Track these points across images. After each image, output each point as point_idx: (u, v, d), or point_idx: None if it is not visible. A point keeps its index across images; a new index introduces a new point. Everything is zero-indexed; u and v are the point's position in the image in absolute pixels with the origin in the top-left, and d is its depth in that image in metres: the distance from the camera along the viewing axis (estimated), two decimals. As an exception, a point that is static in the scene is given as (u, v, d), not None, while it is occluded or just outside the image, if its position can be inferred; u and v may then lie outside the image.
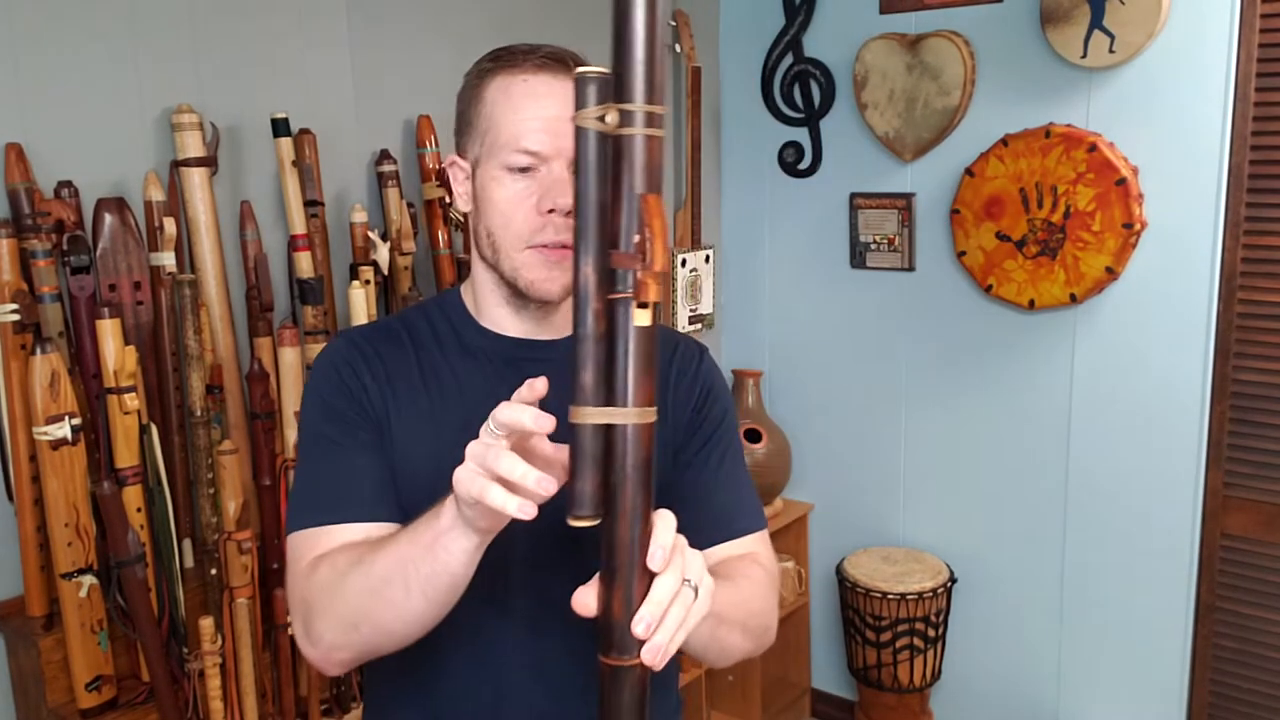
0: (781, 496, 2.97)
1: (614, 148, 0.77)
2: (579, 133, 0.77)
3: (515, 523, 0.82)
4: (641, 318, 0.77)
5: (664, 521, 0.82)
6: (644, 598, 0.79)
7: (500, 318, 1.14)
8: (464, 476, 0.82)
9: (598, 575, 0.81)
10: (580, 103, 0.77)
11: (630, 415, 0.78)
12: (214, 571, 1.69)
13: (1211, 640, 2.47)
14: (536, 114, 1.04)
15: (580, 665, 1.01)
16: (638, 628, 0.78)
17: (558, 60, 1.07)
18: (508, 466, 0.80)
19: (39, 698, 1.62)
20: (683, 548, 0.83)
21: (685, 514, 1.06)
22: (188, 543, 1.77)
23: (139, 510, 1.60)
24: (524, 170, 1.05)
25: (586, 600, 0.81)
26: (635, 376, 0.77)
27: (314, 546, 1.03)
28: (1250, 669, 2.43)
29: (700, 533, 1.02)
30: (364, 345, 1.13)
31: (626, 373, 0.77)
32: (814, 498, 3.05)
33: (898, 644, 2.65)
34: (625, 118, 0.75)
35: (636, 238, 0.76)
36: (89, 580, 1.56)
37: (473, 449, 0.83)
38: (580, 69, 0.76)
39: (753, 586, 1.09)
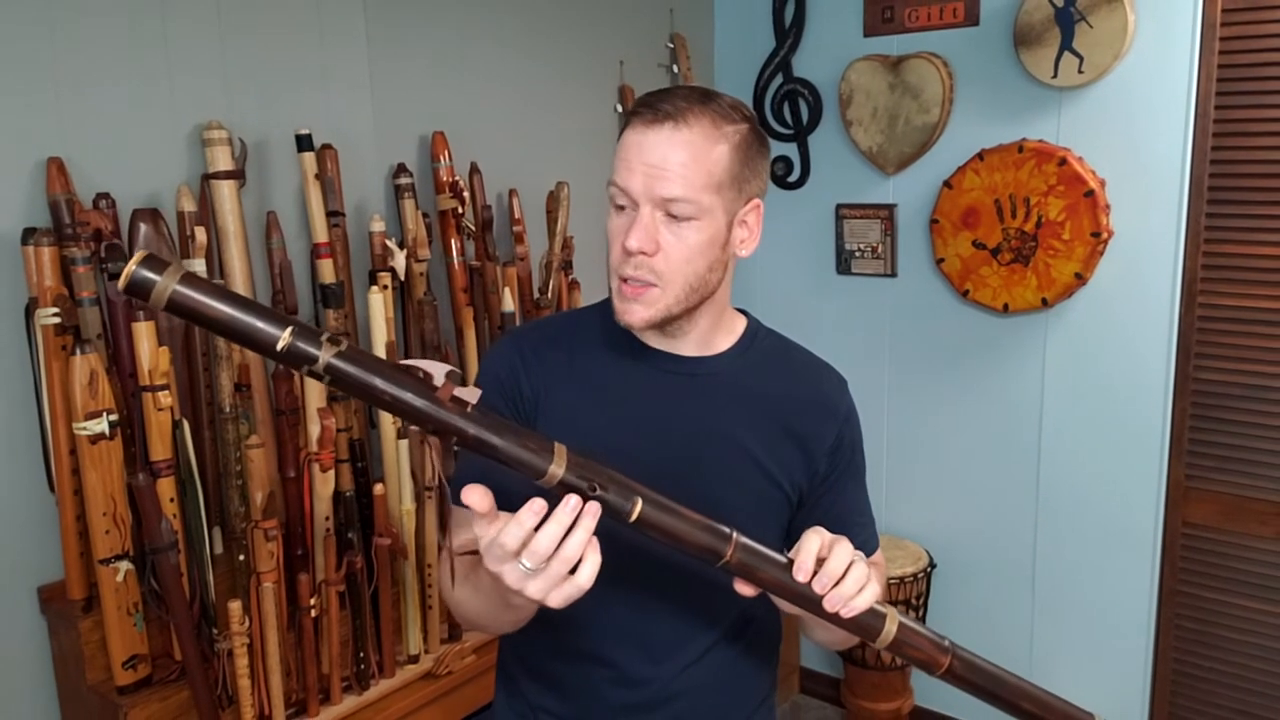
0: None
1: None
2: None
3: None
4: None
5: (809, 542, 0.97)
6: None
7: (646, 331, 1.14)
8: (556, 599, 0.88)
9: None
10: None
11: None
12: (242, 558, 1.69)
13: (1173, 622, 2.47)
14: (630, 156, 1.04)
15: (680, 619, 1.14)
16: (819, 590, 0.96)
17: (672, 111, 1.03)
18: (568, 555, 0.87)
19: (79, 675, 1.62)
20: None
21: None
22: (217, 531, 1.78)
23: (172, 500, 1.60)
24: (621, 207, 1.06)
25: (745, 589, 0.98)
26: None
27: (457, 520, 1.12)
28: (1209, 649, 2.43)
29: None
30: (524, 346, 1.16)
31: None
32: (802, 488, 3.04)
33: (881, 625, 2.65)
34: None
35: None
36: (125, 566, 1.56)
37: (534, 589, 0.87)
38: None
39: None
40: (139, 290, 0.78)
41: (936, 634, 1.05)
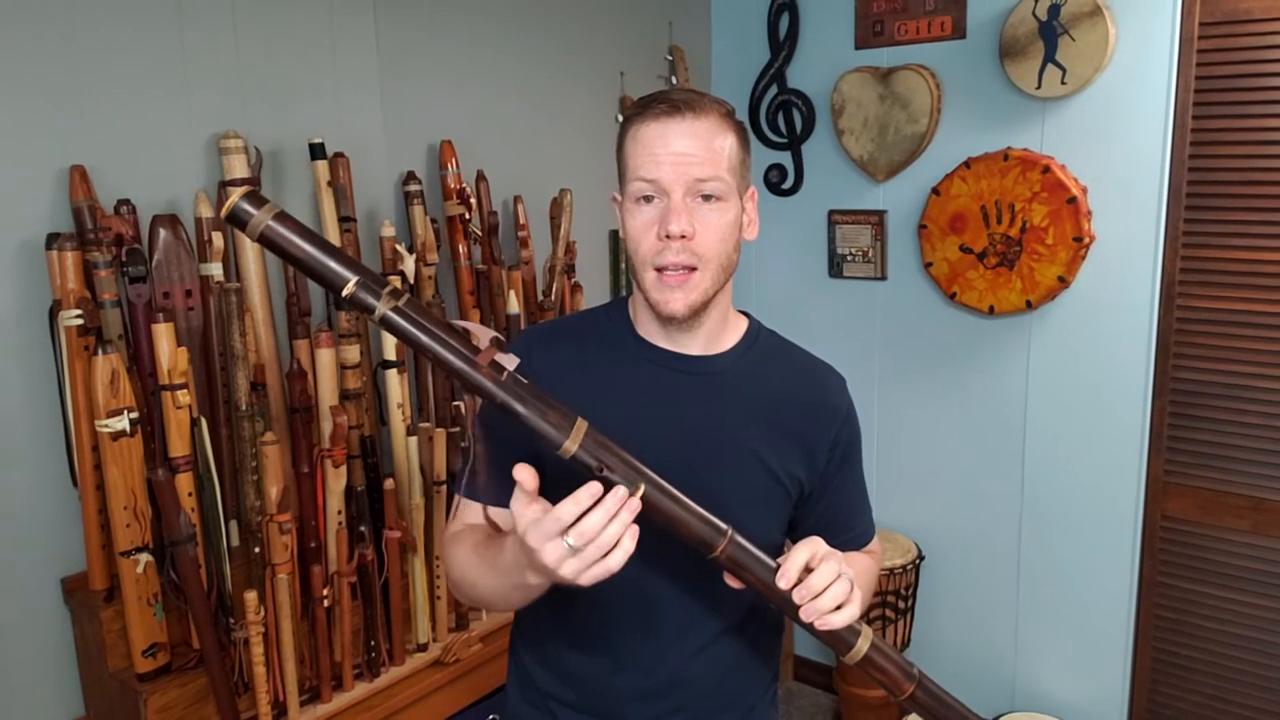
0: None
1: None
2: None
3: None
4: None
5: (800, 550, 0.98)
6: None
7: (652, 331, 1.16)
8: (588, 578, 0.89)
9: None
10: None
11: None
12: (257, 550, 1.69)
13: (1153, 612, 2.47)
14: (655, 149, 1.05)
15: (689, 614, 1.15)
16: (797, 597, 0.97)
17: (685, 103, 1.07)
18: (607, 539, 0.88)
19: (101, 663, 1.63)
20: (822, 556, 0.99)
21: (821, 523, 1.20)
22: (234, 524, 1.78)
23: (190, 495, 1.60)
24: (648, 199, 1.07)
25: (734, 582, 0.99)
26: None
27: (459, 513, 1.16)
28: (1188, 638, 2.43)
29: (837, 547, 1.09)
30: (533, 343, 1.17)
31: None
32: (796, 484, 3.04)
33: (871, 615, 2.65)
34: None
35: None
36: (145, 558, 1.57)
37: (569, 568, 0.89)
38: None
39: (868, 577, 1.24)
40: (237, 220, 0.84)
41: (908, 662, 1.06)
